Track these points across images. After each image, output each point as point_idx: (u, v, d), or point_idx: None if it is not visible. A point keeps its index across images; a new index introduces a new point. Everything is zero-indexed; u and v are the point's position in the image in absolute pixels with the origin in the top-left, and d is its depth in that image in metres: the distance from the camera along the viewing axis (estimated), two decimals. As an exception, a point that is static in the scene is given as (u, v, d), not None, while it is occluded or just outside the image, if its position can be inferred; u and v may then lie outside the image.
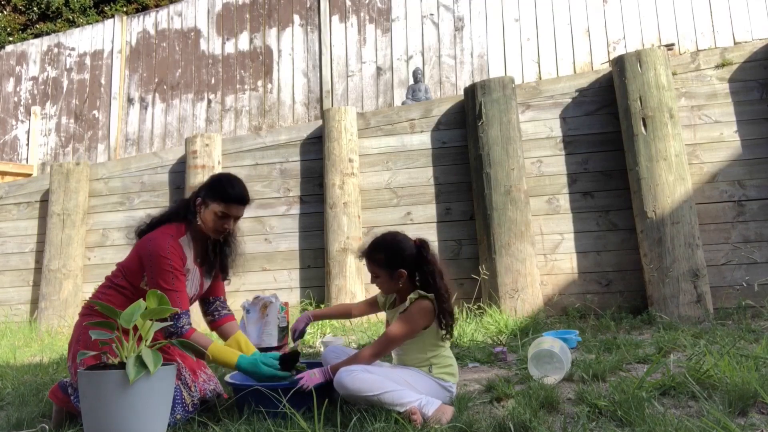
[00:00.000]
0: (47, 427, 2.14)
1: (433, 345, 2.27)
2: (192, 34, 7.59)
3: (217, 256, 2.47)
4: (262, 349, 2.83)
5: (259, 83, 7.23)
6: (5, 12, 9.54)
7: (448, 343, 2.35)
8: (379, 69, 6.91)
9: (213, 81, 7.39)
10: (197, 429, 2.08)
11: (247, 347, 2.43)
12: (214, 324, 2.58)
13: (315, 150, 5.77)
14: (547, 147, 5.27)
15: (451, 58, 6.73)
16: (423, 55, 6.81)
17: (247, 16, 7.44)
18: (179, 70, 7.54)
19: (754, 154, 4.87)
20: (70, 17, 9.12)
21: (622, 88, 4.94)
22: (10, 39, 9.02)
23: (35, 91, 8.01)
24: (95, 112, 7.73)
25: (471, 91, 5.32)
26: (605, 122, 5.18)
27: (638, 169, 4.73)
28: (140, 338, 1.90)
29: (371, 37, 7.00)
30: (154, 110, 7.55)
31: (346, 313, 2.67)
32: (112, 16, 8.17)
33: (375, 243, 2.32)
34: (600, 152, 5.16)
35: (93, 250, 6.09)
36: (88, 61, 7.90)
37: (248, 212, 6.27)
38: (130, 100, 7.66)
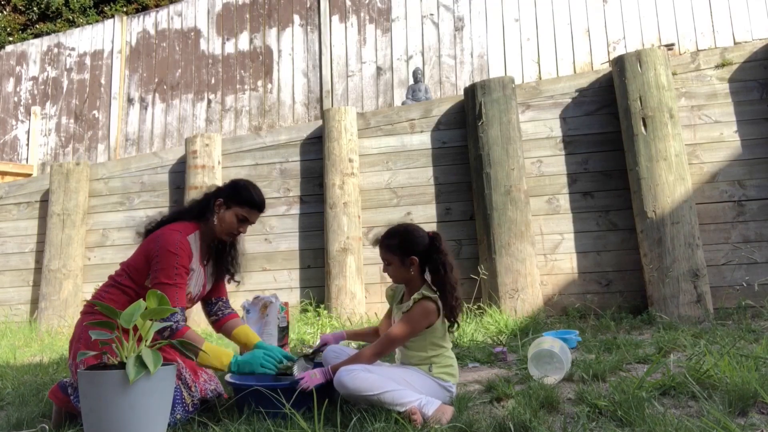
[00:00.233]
0: (47, 427, 2.14)
1: (434, 345, 2.28)
2: (192, 34, 7.59)
3: (226, 257, 2.49)
4: None
5: (259, 83, 7.23)
6: (5, 12, 9.54)
7: (449, 344, 2.36)
8: (379, 69, 6.91)
9: (213, 81, 7.39)
10: (197, 429, 2.08)
11: (248, 339, 2.45)
12: (218, 323, 2.58)
13: (315, 150, 5.78)
14: (547, 147, 5.27)
15: (451, 58, 6.73)
16: (423, 55, 6.81)
17: (247, 16, 7.44)
18: (179, 70, 7.54)
19: (754, 154, 4.87)
20: (70, 17, 9.12)
21: (622, 88, 4.94)
22: (10, 39, 9.02)
23: (35, 91, 8.01)
24: (95, 112, 7.73)
25: (471, 91, 5.32)
26: (605, 122, 5.18)
27: (638, 169, 4.73)
28: (140, 338, 1.90)
29: (371, 37, 7.00)
30: (154, 110, 7.55)
31: (376, 333, 2.57)
32: (112, 16, 8.17)
33: (389, 230, 2.37)
34: (600, 152, 5.16)
35: (93, 250, 6.09)
36: (88, 61, 7.90)
37: (248, 212, 6.22)
38: (130, 100, 7.66)
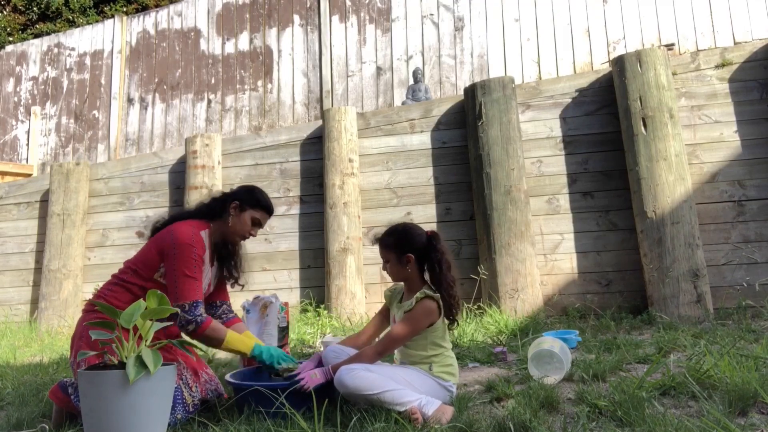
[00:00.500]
0: (47, 427, 2.14)
1: (435, 344, 2.29)
2: (192, 34, 7.59)
3: (231, 261, 2.54)
4: None
5: (259, 83, 7.23)
6: (5, 12, 9.54)
7: (449, 344, 2.37)
8: (379, 69, 6.91)
9: (213, 81, 7.39)
10: (197, 429, 2.08)
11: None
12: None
13: (315, 150, 5.78)
14: (547, 147, 5.27)
15: (451, 58, 6.73)
16: (423, 55, 6.81)
17: (247, 16, 7.44)
18: (179, 70, 7.55)
19: (754, 154, 4.87)
20: (70, 17, 9.12)
21: (622, 88, 4.94)
22: (10, 39, 9.02)
23: (35, 91, 8.01)
24: (95, 112, 7.73)
25: (471, 91, 5.32)
26: (605, 122, 5.18)
27: (638, 169, 4.73)
28: (140, 338, 1.90)
29: (371, 37, 7.00)
30: (154, 110, 7.55)
31: (358, 342, 2.51)
32: (112, 16, 8.17)
33: (388, 229, 2.42)
34: (600, 152, 5.16)
35: (93, 250, 6.09)
36: (88, 61, 7.90)
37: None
38: (130, 100, 7.66)
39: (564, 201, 5.14)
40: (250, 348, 2.28)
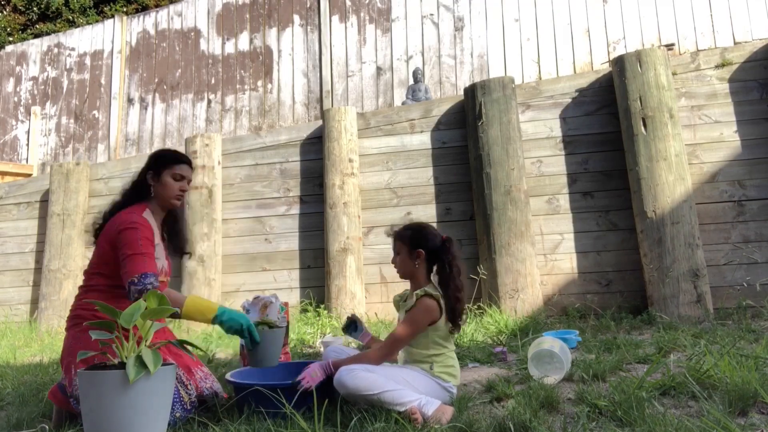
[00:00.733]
0: (47, 427, 2.14)
1: (437, 344, 2.29)
2: (192, 34, 7.59)
3: (175, 231, 2.54)
4: None
5: (259, 83, 7.23)
6: (5, 12, 9.54)
7: (452, 345, 2.37)
8: (379, 69, 6.91)
9: (213, 81, 7.39)
10: (197, 429, 2.08)
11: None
12: None
13: (315, 150, 5.78)
14: (547, 147, 5.27)
15: (451, 58, 6.73)
16: (423, 55, 6.81)
17: (247, 16, 7.44)
18: (179, 70, 7.55)
19: (754, 154, 4.87)
20: (70, 17, 9.12)
21: (622, 88, 4.94)
22: (10, 39, 9.02)
23: (35, 91, 8.01)
24: (95, 112, 7.73)
25: (471, 91, 5.32)
26: (605, 122, 5.18)
27: (638, 169, 4.73)
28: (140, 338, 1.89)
29: (371, 37, 7.00)
30: (154, 110, 7.55)
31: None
32: (112, 16, 8.17)
33: (408, 224, 2.48)
34: (600, 152, 5.16)
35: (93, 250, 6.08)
36: (88, 61, 7.90)
37: (248, 212, 6.29)
38: (130, 100, 7.66)
39: (564, 201, 5.14)
40: (209, 319, 2.13)
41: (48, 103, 7.91)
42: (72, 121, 7.78)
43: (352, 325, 2.54)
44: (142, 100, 7.62)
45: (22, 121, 7.96)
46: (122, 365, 1.76)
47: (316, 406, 1.90)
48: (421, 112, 5.63)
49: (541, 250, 5.06)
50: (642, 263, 4.71)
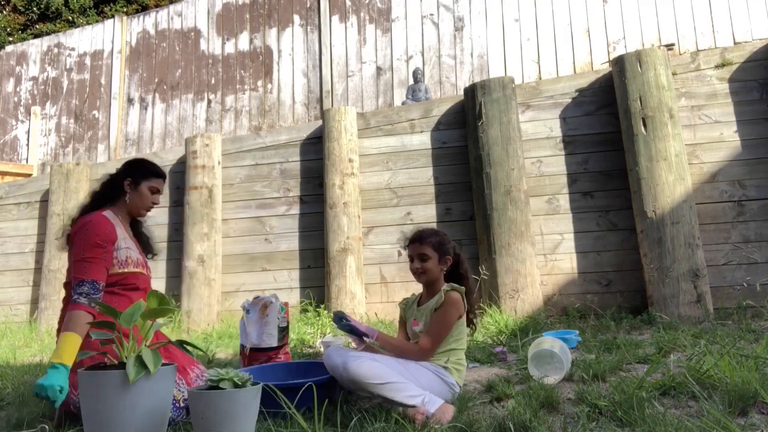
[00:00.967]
0: (47, 427, 2.14)
1: (455, 340, 2.36)
2: (192, 34, 7.59)
3: (142, 234, 2.58)
4: (262, 349, 2.83)
5: (259, 83, 7.23)
6: (5, 12, 9.54)
7: (465, 346, 2.43)
8: (379, 69, 6.91)
9: (213, 81, 7.39)
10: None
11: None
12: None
13: (315, 150, 5.78)
14: (547, 147, 5.27)
15: (451, 58, 6.73)
16: (423, 55, 6.81)
17: (247, 16, 7.44)
18: (179, 70, 7.55)
19: (754, 154, 4.87)
20: (70, 17, 9.12)
21: (622, 88, 4.94)
22: (10, 39, 9.02)
23: (35, 91, 8.01)
24: (95, 112, 7.73)
25: (471, 91, 5.32)
26: (605, 122, 5.18)
27: (638, 169, 4.73)
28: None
29: (371, 37, 7.00)
30: (154, 110, 7.55)
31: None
32: (112, 16, 8.17)
33: (428, 229, 2.52)
34: (600, 152, 5.16)
35: (93, 250, 6.09)
36: (88, 61, 7.90)
37: (248, 212, 6.28)
38: (130, 100, 7.66)
39: (564, 201, 5.14)
40: (50, 362, 2.00)
41: (48, 103, 7.91)
42: (72, 121, 7.78)
43: (341, 320, 2.44)
44: (142, 100, 7.62)
45: (22, 121, 7.96)
46: (122, 365, 1.76)
47: (316, 406, 1.90)
48: (421, 112, 5.63)
49: (541, 250, 5.06)
50: (642, 263, 4.71)
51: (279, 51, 7.25)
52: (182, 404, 2.16)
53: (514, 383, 2.56)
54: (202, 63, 7.47)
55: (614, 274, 4.93)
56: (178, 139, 7.28)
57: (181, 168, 6.02)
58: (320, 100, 6.98)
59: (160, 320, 2.61)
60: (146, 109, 7.58)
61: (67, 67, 7.95)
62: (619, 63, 5.00)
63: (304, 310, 5.24)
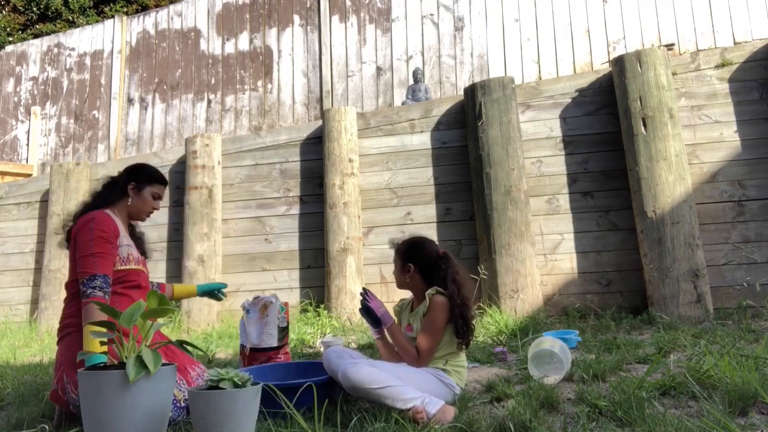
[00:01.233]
0: (47, 427, 2.14)
1: (447, 345, 2.33)
2: (192, 34, 7.59)
3: (138, 235, 2.59)
4: (261, 349, 2.82)
5: (259, 83, 7.23)
6: (5, 12, 9.54)
7: (463, 347, 2.39)
8: (379, 69, 6.91)
9: (213, 81, 7.39)
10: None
11: (188, 290, 2.77)
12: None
13: (315, 150, 5.77)
14: (547, 147, 5.27)
15: (451, 58, 6.73)
16: (423, 55, 6.81)
17: (247, 16, 7.44)
18: (179, 70, 7.55)
19: (754, 154, 4.87)
20: (70, 17, 9.12)
21: (622, 88, 4.94)
22: (10, 39, 9.02)
23: (35, 91, 8.01)
24: (95, 112, 7.73)
25: (471, 91, 5.32)
26: (605, 122, 5.18)
27: (638, 169, 4.73)
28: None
29: (371, 37, 7.00)
30: (154, 110, 7.55)
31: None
32: (112, 16, 8.17)
33: (407, 238, 2.56)
34: (600, 152, 5.16)
35: (93, 250, 6.09)
36: (88, 61, 7.90)
37: (248, 212, 6.28)
38: (130, 100, 7.66)
39: (564, 201, 5.14)
40: (87, 350, 2.08)
41: (48, 103, 7.91)
42: (72, 121, 7.78)
43: (363, 298, 2.41)
44: (142, 100, 7.62)
45: (22, 121, 7.96)
46: (122, 365, 1.76)
47: (316, 406, 1.90)
48: (421, 112, 5.63)
49: (541, 250, 5.06)
50: (642, 263, 4.71)
51: (279, 51, 7.25)
52: (183, 404, 2.16)
53: (514, 383, 2.56)
54: (202, 63, 7.47)
55: (614, 274, 4.93)
56: (178, 139, 7.28)
57: (181, 168, 6.02)
58: (320, 100, 6.98)
59: (159, 320, 2.62)
60: (146, 109, 7.58)
61: (67, 67, 7.95)
62: (619, 63, 5.00)
63: (304, 310, 5.24)
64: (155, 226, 5.83)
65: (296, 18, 7.26)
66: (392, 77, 6.85)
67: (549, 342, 2.71)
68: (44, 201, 6.28)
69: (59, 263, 5.85)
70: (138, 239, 2.57)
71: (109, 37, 7.85)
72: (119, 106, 7.64)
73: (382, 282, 5.31)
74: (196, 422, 1.75)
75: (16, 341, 5.17)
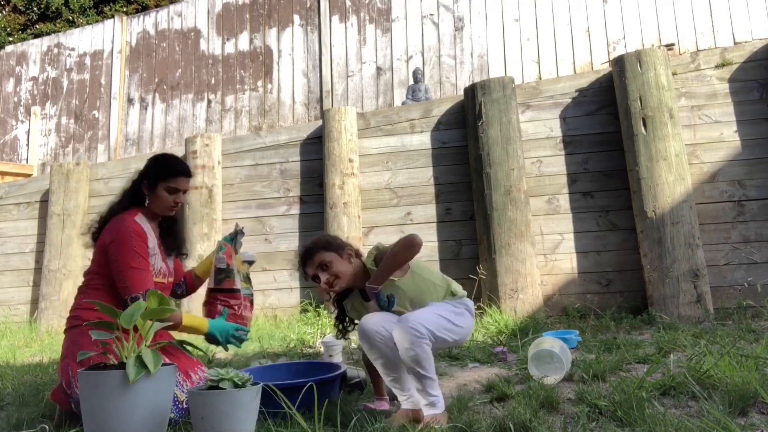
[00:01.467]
0: (47, 427, 2.14)
1: (426, 283, 2.24)
2: (192, 34, 7.59)
3: (172, 233, 2.52)
4: (210, 289, 2.62)
5: (259, 83, 7.23)
6: (5, 12, 9.54)
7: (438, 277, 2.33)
8: (379, 69, 6.91)
9: (213, 81, 7.39)
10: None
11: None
12: (190, 291, 2.70)
13: (315, 150, 5.77)
14: (547, 147, 5.27)
15: (451, 58, 6.73)
16: (423, 55, 6.81)
17: (247, 16, 7.44)
18: (179, 70, 7.55)
19: (754, 154, 4.87)
20: (70, 17, 9.13)
21: (622, 88, 4.94)
22: (10, 39, 9.02)
23: (35, 91, 8.01)
24: (95, 112, 7.73)
25: (471, 91, 5.32)
26: (605, 122, 5.18)
27: (638, 169, 4.73)
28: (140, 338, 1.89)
29: (371, 37, 6.99)
30: (154, 110, 7.55)
31: None
32: (112, 16, 8.17)
33: (309, 242, 2.32)
34: (600, 152, 5.16)
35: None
36: (88, 61, 7.90)
37: (248, 212, 6.28)
38: (130, 100, 7.66)
39: (564, 201, 5.14)
40: (205, 326, 2.35)
41: (48, 103, 7.91)
42: (72, 121, 7.78)
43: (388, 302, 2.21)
44: (142, 100, 7.62)
45: (22, 121, 7.96)
46: (122, 365, 1.76)
47: (317, 406, 1.90)
48: (421, 112, 5.63)
49: (541, 250, 5.06)
50: (642, 263, 4.71)
51: (279, 51, 7.25)
52: (185, 405, 2.16)
53: (514, 383, 2.56)
54: (202, 63, 7.47)
55: (614, 274, 4.93)
56: (178, 139, 7.27)
57: (181, 168, 6.01)
58: (320, 100, 6.98)
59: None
60: (146, 109, 7.58)
61: (67, 67, 7.95)
62: (619, 63, 5.00)
63: (304, 310, 5.23)
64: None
65: (296, 18, 7.26)
66: (392, 77, 6.85)
67: (549, 342, 2.71)
68: (44, 201, 6.27)
69: (59, 263, 5.85)
70: (171, 235, 2.50)
71: (109, 37, 7.86)
72: (119, 106, 7.64)
73: (382, 282, 5.30)
74: (196, 422, 1.75)
75: (16, 341, 5.17)
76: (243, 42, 7.39)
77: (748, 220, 4.77)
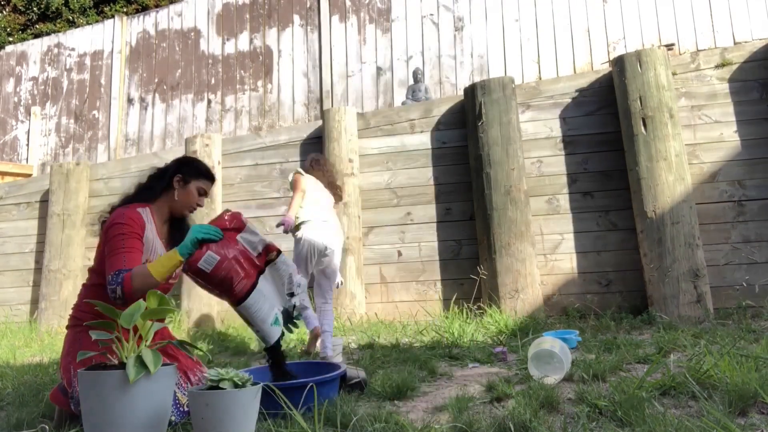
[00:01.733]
0: (47, 427, 2.14)
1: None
2: (192, 34, 7.59)
3: (181, 229, 2.50)
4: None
5: (259, 83, 7.23)
6: (5, 12, 9.54)
7: None
8: (379, 69, 6.91)
9: (213, 81, 7.39)
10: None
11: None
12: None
13: (315, 150, 5.77)
14: (547, 147, 5.27)
15: (451, 58, 6.73)
16: (423, 55, 6.81)
17: (247, 16, 7.44)
18: (179, 71, 7.55)
19: (754, 154, 4.87)
20: (70, 17, 9.13)
21: (622, 88, 4.94)
22: (10, 39, 9.02)
23: (35, 92, 8.01)
24: (95, 112, 7.73)
25: (471, 91, 5.32)
26: (605, 122, 5.18)
27: (638, 169, 4.73)
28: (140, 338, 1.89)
29: (371, 37, 7.00)
30: (154, 110, 7.55)
31: None
32: (112, 16, 8.17)
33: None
34: (600, 152, 5.16)
35: (93, 251, 6.08)
36: (88, 61, 7.90)
37: (248, 212, 6.27)
38: (130, 101, 7.66)
39: (564, 201, 5.14)
40: (181, 257, 2.15)
41: (48, 103, 7.91)
42: (72, 121, 7.78)
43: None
44: (142, 100, 7.62)
45: (22, 121, 7.96)
46: (122, 365, 1.76)
47: (316, 406, 1.90)
48: (421, 112, 5.63)
49: (541, 250, 5.06)
50: (642, 263, 4.71)
51: (279, 51, 7.25)
52: (186, 408, 2.15)
53: (514, 383, 2.56)
54: (202, 63, 7.47)
55: (614, 274, 4.93)
56: (178, 140, 7.28)
57: (181, 168, 6.01)
58: (320, 101, 6.98)
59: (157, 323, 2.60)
60: (146, 109, 7.58)
61: (67, 67, 7.95)
62: (619, 63, 5.00)
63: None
64: (155, 226, 5.83)
65: (296, 18, 7.26)
66: (392, 77, 6.85)
67: (549, 342, 2.71)
68: (44, 201, 6.28)
69: (59, 263, 5.86)
70: (181, 232, 2.46)
71: (109, 37, 7.86)
72: (119, 107, 7.64)
73: (382, 282, 5.31)
74: (197, 422, 1.75)
75: (16, 341, 5.17)
76: (243, 42, 7.39)
77: (748, 220, 4.77)
